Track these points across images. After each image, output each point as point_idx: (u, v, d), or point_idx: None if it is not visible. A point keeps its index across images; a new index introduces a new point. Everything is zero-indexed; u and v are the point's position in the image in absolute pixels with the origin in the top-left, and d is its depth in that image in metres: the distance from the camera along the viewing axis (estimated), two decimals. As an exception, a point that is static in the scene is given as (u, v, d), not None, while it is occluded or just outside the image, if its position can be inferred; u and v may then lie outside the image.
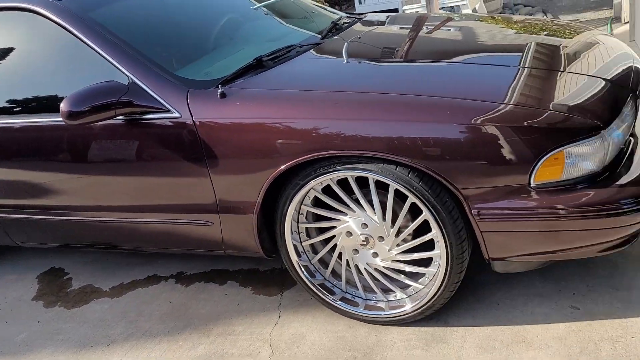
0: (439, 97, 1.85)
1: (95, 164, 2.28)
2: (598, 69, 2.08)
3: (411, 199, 1.88)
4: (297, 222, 2.12)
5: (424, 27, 2.76)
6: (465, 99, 1.82)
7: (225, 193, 2.10)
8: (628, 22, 5.28)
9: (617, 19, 5.87)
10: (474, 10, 6.59)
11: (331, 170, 1.93)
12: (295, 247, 2.15)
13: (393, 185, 1.88)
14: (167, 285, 2.71)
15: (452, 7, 6.51)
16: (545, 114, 1.75)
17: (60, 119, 2.23)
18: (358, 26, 2.80)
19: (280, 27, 2.89)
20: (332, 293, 2.19)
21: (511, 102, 1.79)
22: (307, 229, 2.15)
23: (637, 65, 2.19)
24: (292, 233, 2.12)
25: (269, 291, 2.49)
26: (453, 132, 1.75)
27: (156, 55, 2.23)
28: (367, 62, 2.31)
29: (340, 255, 2.13)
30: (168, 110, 2.09)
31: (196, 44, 2.51)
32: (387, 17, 3.12)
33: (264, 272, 2.64)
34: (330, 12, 3.19)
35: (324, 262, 2.21)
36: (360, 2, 9.30)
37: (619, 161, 1.81)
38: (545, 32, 2.56)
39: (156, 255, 2.97)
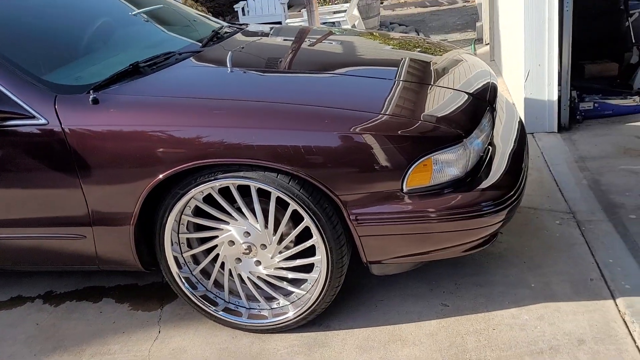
0: (319, 107, 1.91)
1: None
2: (462, 83, 2.27)
3: (292, 206, 1.90)
4: (178, 233, 2.06)
5: (307, 40, 2.82)
6: (344, 109, 1.90)
7: (99, 204, 1.99)
8: (489, 43, 5.80)
9: (479, 40, 6.42)
10: (353, 26, 6.87)
11: (212, 178, 1.90)
12: (175, 258, 2.09)
13: (275, 193, 1.90)
14: (33, 306, 2.50)
15: (333, 22, 6.74)
16: (417, 124, 1.87)
17: None
18: (240, 36, 2.80)
19: (160, 33, 2.81)
20: (214, 304, 2.15)
21: (387, 113, 1.89)
22: (188, 239, 2.10)
23: (494, 82, 2.41)
24: (172, 244, 2.06)
25: (149, 306, 2.39)
26: (332, 141, 1.81)
27: (19, 58, 2.07)
28: (249, 71, 2.32)
29: (222, 265, 2.10)
30: (33, 117, 1.95)
31: (66, 47, 2.37)
32: (271, 28, 3.15)
33: (143, 287, 2.53)
34: (213, 21, 3.17)
35: (205, 273, 2.16)
36: (244, 14, 9.31)
37: (479, 168, 1.98)
38: (419, 49, 2.74)
39: (20, 274, 2.74)
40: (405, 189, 1.83)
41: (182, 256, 2.11)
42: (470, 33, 7.21)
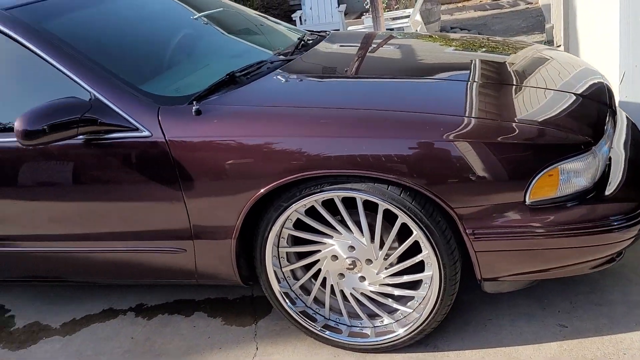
0: (431, 114, 1.81)
1: (49, 188, 2.06)
2: (562, 83, 2.12)
3: (402, 219, 1.81)
4: (278, 247, 1.99)
5: (385, 45, 2.73)
6: (456, 115, 1.79)
7: (201, 217, 1.94)
8: (560, 45, 5.55)
9: (549, 42, 6.16)
10: (416, 32, 6.74)
11: (318, 190, 1.83)
12: (274, 273, 2.02)
13: (383, 206, 1.80)
14: (126, 319, 2.49)
15: (396, 28, 6.63)
16: (542, 130, 1.74)
17: (11, 139, 2.03)
18: (325, 43, 2.74)
19: (244, 42, 2.78)
20: (314, 320, 2.07)
21: (507, 119, 1.78)
22: (287, 253, 2.03)
23: (606, 81, 2.25)
24: (272, 258, 1.99)
25: (242, 321, 2.33)
26: (448, 150, 1.71)
27: (120, 70, 2.06)
28: (345, 78, 2.24)
29: (323, 281, 2.02)
30: (136, 129, 1.92)
31: (157, 58, 2.36)
32: (350, 34, 3.08)
33: (234, 301, 2.48)
34: (290, 28, 3.12)
35: (304, 288, 2.09)
36: (301, 22, 9.32)
37: (606, 177, 1.82)
38: (497, 50, 2.60)
39: (109, 287, 2.74)
40: (528, 201, 1.70)
41: (282, 270, 2.04)
42: (538, 35, 6.95)
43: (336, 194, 1.84)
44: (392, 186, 1.77)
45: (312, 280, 2.05)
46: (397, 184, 1.76)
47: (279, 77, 2.18)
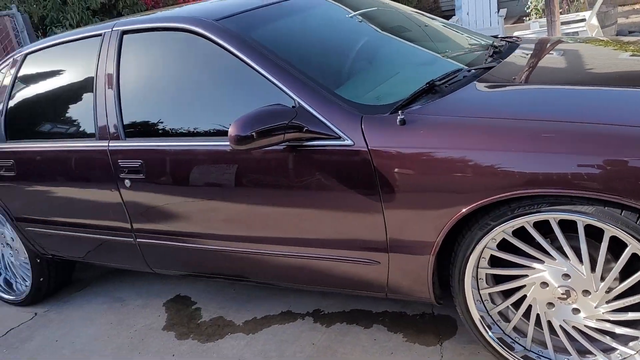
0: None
1: (248, 191, 2.13)
2: None
3: (633, 248, 1.59)
4: (477, 267, 1.87)
5: (586, 51, 2.46)
6: None
7: (399, 230, 1.88)
8: None
9: None
10: (593, 36, 6.18)
11: (534, 211, 1.67)
12: (472, 294, 1.89)
13: (611, 232, 1.60)
14: (305, 323, 2.51)
15: (571, 33, 6.14)
16: None
17: (215, 143, 2.13)
18: (520, 50, 2.55)
19: (431, 49, 2.68)
20: (511, 349, 1.91)
21: None
22: (486, 275, 1.89)
23: None
24: (471, 279, 1.87)
25: (425, 340, 2.23)
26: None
27: (320, 78, 2.07)
28: (558, 86, 2.05)
29: (528, 308, 1.85)
30: (339, 137, 1.91)
31: (350, 66, 2.35)
32: (542, 40, 2.85)
33: (414, 317, 2.39)
34: (474, 35, 2.96)
35: (502, 314, 1.93)
36: (457, 29, 9.03)
37: None
38: None
39: (286, 289, 2.80)
40: None
41: (479, 293, 1.91)
42: None
43: (553, 216, 1.67)
44: (627, 211, 1.56)
45: (511, 307, 1.89)
46: (635, 209, 1.54)
47: (482, 86, 2.05)
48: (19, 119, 2.81)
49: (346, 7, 2.74)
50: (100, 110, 2.48)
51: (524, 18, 9.60)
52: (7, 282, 3.35)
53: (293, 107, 1.98)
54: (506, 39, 2.86)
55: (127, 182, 2.41)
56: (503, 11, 8.65)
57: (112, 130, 2.44)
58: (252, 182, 2.11)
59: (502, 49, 2.57)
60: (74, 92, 2.63)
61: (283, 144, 1.96)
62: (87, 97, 2.55)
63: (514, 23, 10.31)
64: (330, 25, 2.62)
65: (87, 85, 2.57)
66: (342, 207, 1.95)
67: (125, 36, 2.49)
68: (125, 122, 2.42)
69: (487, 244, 1.81)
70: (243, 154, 2.08)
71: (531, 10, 9.19)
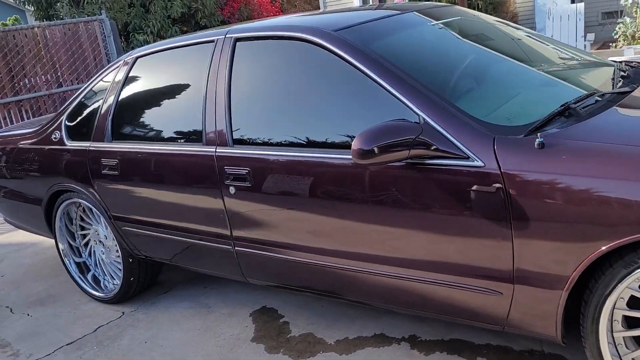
0: None
1: (358, 207, 2.06)
2: None
3: None
4: (613, 307, 1.71)
5: None
6: None
7: (529, 261, 1.75)
8: None
9: None
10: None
11: (693, 251, 1.51)
12: (606, 336, 1.74)
13: None
14: (400, 349, 2.40)
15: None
16: None
17: (329, 155, 2.08)
18: (650, 75, 2.38)
19: (551, 70, 2.55)
20: (645, 402, 1.74)
21: None
22: (624, 316, 1.73)
23: None
24: (606, 320, 1.72)
25: (537, 379, 2.08)
26: None
27: (446, 95, 1.99)
28: None
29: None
30: (467, 157, 1.81)
31: (469, 83, 2.25)
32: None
33: (521, 354, 2.24)
34: (591, 56, 2.80)
35: (636, 361, 1.77)
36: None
37: None
38: None
39: (377, 309, 2.70)
40: None
41: (612, 335, 1.75)
42: None
43: None
44: None
45: (650, 354, 1.73)
46: None
47: (626, 111, 1.90)
48: (126, 120, 2.86)
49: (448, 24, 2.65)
50: (210, 115, 2.48)
51: (610, 44, 9.22)
52: (95, 279, 3.41)
53: (417, 122, 1.90)
54: (628, 64, 2.69)
55: (232, 189, 2.39)
56: (591, 36, 8.32)
57: (220, 136, 2.43)
58: (364, 198, 2.03)
59: (629, 74, 2.40)
60: (182, 97, 2.66)
61: (405, 160, 1.88)
62: (196, 102, 2.56)
63: (598, 49, 9.90)
64: (442, 41, 2.53)
65: (196, 90, 2.58)
66: (464, 231, 1.85)
67: (238, 43, 2.50)
68: (234, 129, 2.41)
69: (630, 284, 1.66)
70: (359, 168, 2.01)
71: (619, 36, 8.81)
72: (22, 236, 4.72)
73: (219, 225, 2.52)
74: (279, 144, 2.27)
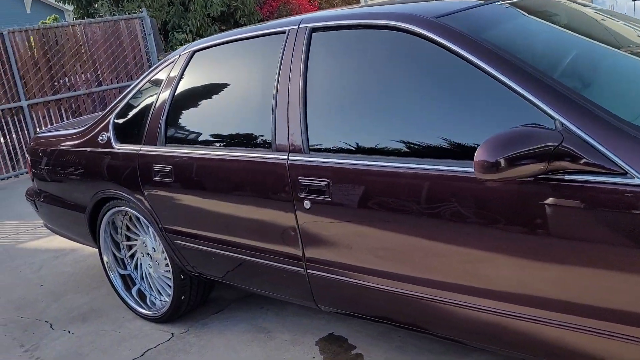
0: None
1: (466, 229, 1.70)
2: None
3: None
4: None
5: None
6: None
7: None
8: None
9: None
10: None
11: None
12: None
13: None
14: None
15: None
16: None
17: (433, 166, 1.73)
18: None
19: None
20: None
21: None
22: None
23: None
24: None
25: None
26: None
27: (587, 95, 1.61)
28: None
29: None
30: (624, 174, 1.43)
31: (605, 80, 1.86)
32: None
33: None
34: None
35: None
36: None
37: None
38: None
39: (464, 346, 2.32)
40: None
41: None
42: None
43: None
44: None
45: None
46: None
47: None
48: (182, 122, 2.56)
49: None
50: (281, 117, 2.15)
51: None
52: (141, 294, 3.12)
53: (554, 129, 1.53)
54: None
55: (307, 204, 2.05)
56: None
57: (293, 141, 2.09)
58: (475, 219, 1.67)
59: None
60: (247, 96, 2.33)
61: (539, 175, 1.52)
62: (264, 102, 2.23)
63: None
64: (552, 33, 2.14)
65: (264, 88, 2.25)
66: (615, 265, 1.47)
67: (314, 34, 2.16)
68: (310, 133, 2.07)
69: None
70: (475, 182, 1.65)
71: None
72: (60, 241, 4.48)
73: (289, 244, 2.18)
74: (366, 151, 1.92)
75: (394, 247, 1.88)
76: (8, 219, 5.55)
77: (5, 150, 7.38)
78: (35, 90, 7.58)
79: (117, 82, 8.27)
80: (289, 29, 2.23)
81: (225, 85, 2.45)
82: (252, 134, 2.27)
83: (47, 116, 7.70)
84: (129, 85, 8.68)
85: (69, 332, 3.03)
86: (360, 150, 1.94)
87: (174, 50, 5.34)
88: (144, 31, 8.58)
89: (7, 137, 7.38)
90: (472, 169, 1.60)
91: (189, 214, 2.51)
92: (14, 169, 7.47)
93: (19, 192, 6.69)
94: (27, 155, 3.57)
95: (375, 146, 1.90)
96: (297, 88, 2.12)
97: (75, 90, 7.93)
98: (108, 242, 3.12)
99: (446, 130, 1.76)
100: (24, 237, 4.86)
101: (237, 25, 12.13)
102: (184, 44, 9.00)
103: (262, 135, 2.22)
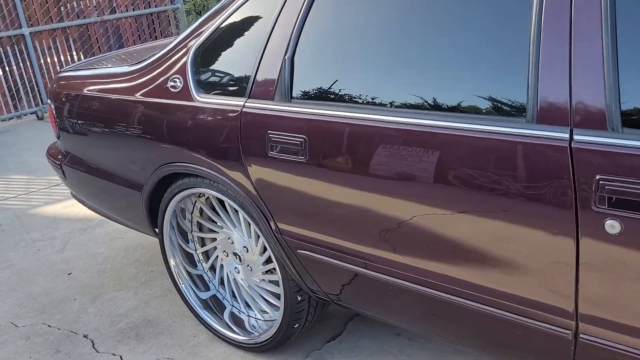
0: None
1: None
2: None
3: None
4: None
5: None
6: None
7: None
8: None
9: None
10: None
11: None
12: None
13: None
14: None
15: None
16: None
17: None
18: None
19: None
20: None
21: None
22: None
23: None
24: None
25: None
26: None
27: None
28: None
29: None
30: None
31: None
32: None
33: None
34: None
35: None
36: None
37: None
38: None
39: None
40: None
41: None
42: None
43: None
44: None
45: None
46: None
47: None
48: (325, 65, 1.57)
49: None
50: (547, 68, 1.18)
51: None
52: (218, 303, 2.23)
53: None
54: None
55: (612, 224, 1.11)
56: None
57: (581, 110, 1.13)
58: None
59: None
60: (455, 25, 1.35)
61: None
62: (500, 37, 1.26)
63: None
64: None
65: (493, 13, 1.27)
66: None
67: None
68: (622, 99, 1.11)
69: None
70: None
71: None
72: (82, 207, 3.56)
73: (548, 291, 1.26)
74: None
75: None
76: (15, 172, 4.58)
77: (5, 86, 6.30)
78: (38, 16, 6.43)
79: (133, 9, 7.10)
80: None
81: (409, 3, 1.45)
82: (473, 91, 1.30)
83: (52, 47, 6.59)
84: (147, 15, 7.46)
85: (120, 357, 2.16)
86: None
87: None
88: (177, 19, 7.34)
89: (7, 70, 6.29)
90: None
91: (332, 215, 1.56)
92: (15, 108, 6.42)
93: (24, 137, 5.68)
94: (49, 100, 2.58)
95: None
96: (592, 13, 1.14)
97: (84, 18, 6.78)
98: (174, 242, 2.20)
99: None
100: (38, 198, 3.92)
101: None
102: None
103: (497, 98, 1.25)
